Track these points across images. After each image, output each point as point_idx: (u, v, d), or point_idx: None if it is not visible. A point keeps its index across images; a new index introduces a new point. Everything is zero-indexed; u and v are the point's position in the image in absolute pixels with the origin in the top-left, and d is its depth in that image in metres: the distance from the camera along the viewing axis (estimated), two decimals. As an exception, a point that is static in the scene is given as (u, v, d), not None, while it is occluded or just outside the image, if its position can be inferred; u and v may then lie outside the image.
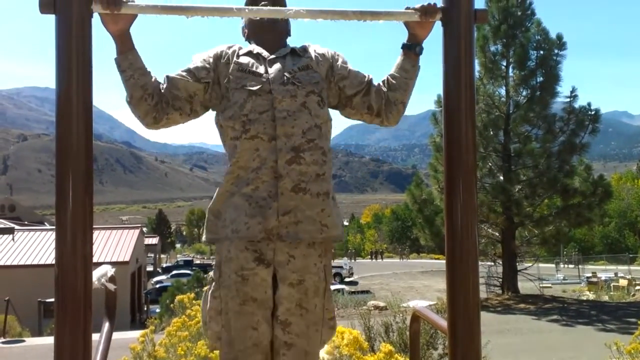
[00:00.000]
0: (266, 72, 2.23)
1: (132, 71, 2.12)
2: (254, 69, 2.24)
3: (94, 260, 1.77)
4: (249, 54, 2.31)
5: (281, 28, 2.42)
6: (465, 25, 1.95)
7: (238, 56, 2.30)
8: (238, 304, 2.15)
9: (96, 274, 2.22)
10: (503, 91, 16.75)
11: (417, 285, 30.62)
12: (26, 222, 45.40)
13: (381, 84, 2.37)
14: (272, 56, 2.29)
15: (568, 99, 16.08)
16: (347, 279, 38.02)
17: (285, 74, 2.23)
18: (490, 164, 16.59)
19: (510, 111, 16.57)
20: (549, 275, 30.97)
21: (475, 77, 2.05)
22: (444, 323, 2.16)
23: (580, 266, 35.96)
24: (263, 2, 2.32)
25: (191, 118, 2.28)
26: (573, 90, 16.04)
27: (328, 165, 2.25)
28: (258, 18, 2.35)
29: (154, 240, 50.76)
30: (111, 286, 2.29)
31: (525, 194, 16.49)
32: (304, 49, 2.37)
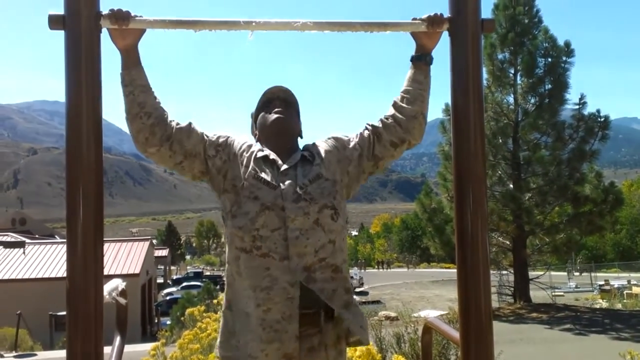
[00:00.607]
0: (279, 184, 2.17)
1: (133, 87, 2.11)
2: (269, 179, 2.18)
3: (105, 273, 1.77)
4: (266, 159, 2.25)
5: (293, 132, 2.39)
6: (473, 35, 1.95)
7: (254, 160, 2.24)
8: None
9: (107, 287, 2.22)
10: (511, 99, 16.71)
11: (428, 295, 30.45)
12: (37, 236, 45.62)
13: (382, 117, 2.34)
14: (285, 166, 2.23)
15: (577, 106, 16.01)
16: (357, 289, 37.88)
17: (297, 189, 2.17)
18: (499, 172, 16.53)
19: (519, 119, 16.53)
20: (561, 283, 30.74)
21: (483, 86, 2.05)
22: (456, 334, 2.14)
23: (592, 274, 35.66)
24: (274, 106, 2.34)
25: (174, 168, 2.25)
26: (582, 97, 15.98)
27: (339, 282, 2.19)
28: (269, 121, 2.33)
29: (163, 252, 50.84)
30: (122, 300, 2.29)
31: (535, 202, 16.40)
32: (312, 154, 2.31)
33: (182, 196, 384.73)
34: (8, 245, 19.05)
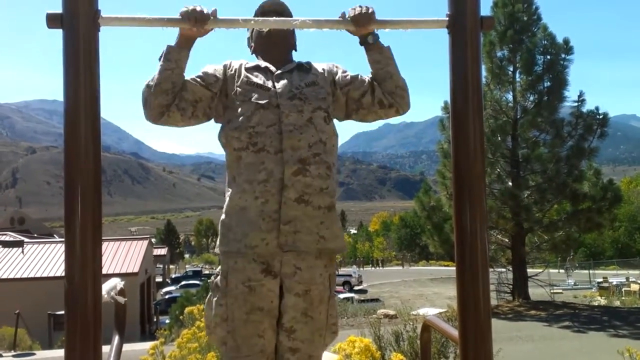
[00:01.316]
0: (274, 86, 2.27)
1: (175, 66, 2.17)
2: (261, 82, 2.28)
3: (104, 271, 1.77)
4: (257, 67, 2.35)
5: (288, 42, 2.47)
6: (472, 32, 1.94)
7: (246, 69, 2.34)
8: (245, 312, 2.19)
9: (106, 287, 2.22)
10: (510, 96, 16.72)
11: (427, 293, 30.50)
12: (35, 235, 45.58)
13: None
14: (279, 71, 2.32)
15: (576, 104, 16.02)
16: (356, 288, 37.90)
17: (293, 89, 2.26)
18: (498, 169, 16.53)
19: (518, 116, 16.53)
20: (560, 280, 30.78)
21: (482, 84, 2.05)
22: (455, 332, 2.15)
23: (591, 271, 35.70)
24: (271, 15, 2.34)
25: (190, 123, 2.29)
26: (581, 94, 16.00)
27: (332, 180, 2.28)
28: (264, 32, 2.38)
29: (162, 251, 50.81)
30: (121, 299, 2.29)
31: (534, 200, 16.41)
32: (310, 65, 2.41)
33: (181, 195, 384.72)
34: (7, 244, 19.03)
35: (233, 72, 2.33)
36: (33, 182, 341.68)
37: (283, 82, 2.29)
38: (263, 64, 2.36)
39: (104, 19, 1.77)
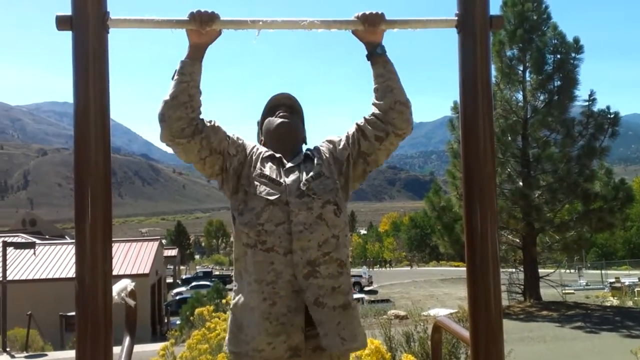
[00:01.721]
0: (284, 182, 2.24)
1: (190, 78, 2.15)
2: (273, 175, 2.25)
3: (114, 273, 1.78)
4: (272, 158, 2.33)
5: (298, 138, 2.45)
6: (481, 32, 1.93)
7: (261, 160, 2.32)
8: None
9: (116, 288, 2.23)
10: (520, 96, 16.64)
11: (438, 293, 30.42)
12: (47, 236, 45.85)
13: (365, 115, 2.35)
14: (290, 164, 2.30)
15: (587, 103, 15.92)
16: (366, 288, 37.86)
17: (301, 185, 2.22)
18: (509, 169, 16.46)
19: (528, 116, 16.45)
20: (571, 280, 30.59)
21: (492, 83, 2.03)
22: (466, 333, 2.13)
23: (603, 271, 35.45)
24: (280, 112, 2.40)
25: (195, 162, 2.27)
26: (591, 93, 15.89)
27: (345, 277, 2.23)
28: (273, 128, 2.39)
29: (173, 252, 51.03)
30: (131, 301, 2.29)
31: (545, 200, 16.33)
32: (314, 153, 2.37)
33: (191, 196, 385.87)
34: (18, 246, 19.14)
35: (252, 157, 2.32)
36: (44, 183, 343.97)
37: (292, 177, 2.25)
38: (277, 154, 2.35)
39: (112, 20, 1.77)
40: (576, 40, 15.86)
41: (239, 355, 2.20)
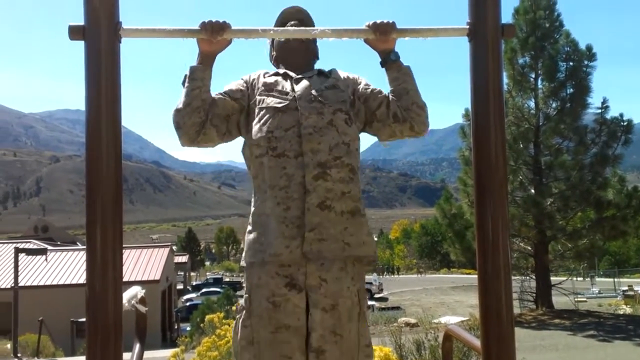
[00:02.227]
0: (292, 90, 2.25)
1: (202, 84, 2.18)
2: (279, 87, 2.27)
3: (125, 279, 1.79)
4: (276, 74, 2.35)
5: (309, 51, 2.46)
6: (493, 40, 1.92)
7: (264, 77, 2.34)
8: (270, 332, 2.09)
9: (126, 295, 2.23)
10: (532, 103, 16.56)
11: (449, 301, 30.27)
12: (59, 243, 46.15)
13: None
14: (299, 76, 2.31)
15: (599, 110, 15.82)
16: (377, 295, 37.75)
17: (312, 91, 2.24)
18: (521, 177, 16.37)
19: (540, 123, 16.37)
20: (584, 288, 30.34)
21: (504, 91, 2.02)
22: (477, 342, 2.12)
23: (615, 279, 35.15)
24: (291, 23, 2.36)
25: (225, 139, 2.29)
26: (604, 101, 15.79)
27: (355, 183, 2.22)
28: (285, 40, 2.39)
29: (183, 259, 51.16)
30: (142, 308, 2.30)
31: (557, 207, 16.21)
32: (330, 71, 2.40)
33: (202, 202, 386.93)
34: (30, 252, 19.28)
35: (253, 83, 2.33)
36: (56, 190, 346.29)
37: (302, 85, 2.27)
38: (282, 70, 2.37)
39: (125, 30, 1.78)
40: (589, 48, 15.79)
41: (255, 265, 2.19)
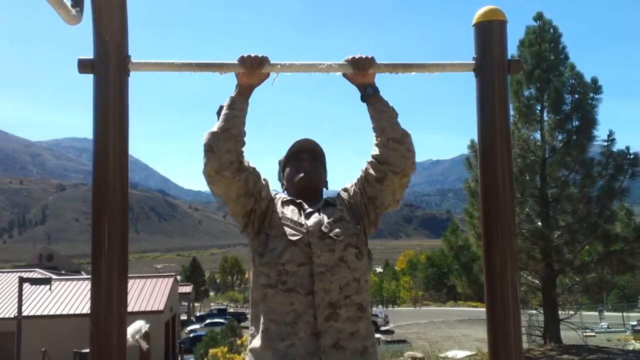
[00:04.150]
0: (305, 224, 2.24)
1: (240, 113, 2.19)
2: (295, 218, 2.26)
3: (129, 309, 1.77)
4: (292, 202, 2.35)
5: (318, 187, 2.48)
6: (499, 76, 1.93)
7: (282, 204, 2.35)
8: None
9: (131, 329, 2.21)
10: (538, 135, 16.55)
11: (456, 335, 29.88)
12: (63, 272, 46.02)
13: (369, 157, 2.36)
14: (310, 209, 2.31)
15: (606, 143, 15.80)
16: (382, 328, 37.32)
17: (322, 227, 2.22)
18: (527, 209, 16.29)
19: (547, 156, 16.35)
20: (592, 323, 29.93)
21: (510, 126, 2.02)
22: (486, 380, 2.08)
23: (624, 314, 34.68)
24: (301, 158, 2.41)
25: (231, 201, 2.25)
26: (610, 133, 15.78)
27: (364, 321, 2.20)
28: (297, 180, 2.40)
29: (187, 289, 50.88)
30: (144, 345, 2.27)
31: (565, 240, 16.08)
32: (335, 199, 2.41)
33: (207, 232, 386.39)
34: (34, 282, 19.24)
35: (275, 202, 2.35)
36: (62, 219, 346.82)
37: (313, 219, 2.26)
38: (298, 199, 2.37)
39: (134, 64, 1.80)
40: (594, 81, 15.84)
41: None
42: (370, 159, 2.31)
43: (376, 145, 2.29)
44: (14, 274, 29.39)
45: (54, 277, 29.34)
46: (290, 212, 2.29)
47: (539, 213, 16.26)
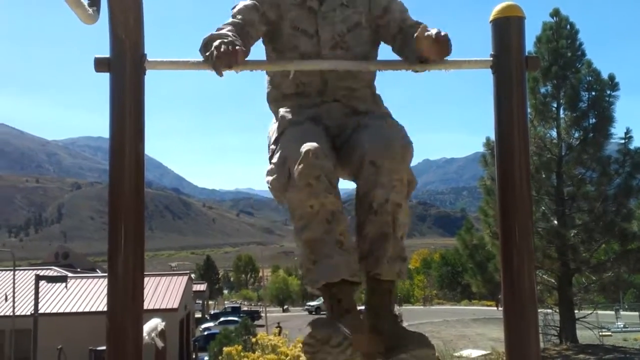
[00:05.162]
0: (316, 33, 2.25)
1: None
2: (305, 27, 2.26)
3: (144, 307, 1.77)
4: (302, 5, 2.28)
5: None
6: (517, 73, 1.90)
7: (293, 6, 2.28)
8: (299, 137, 2.07)
9: (146, 327, 2.21)
10: (554, 133, 16.44)
11: (470, 334, 29.72)
12: (79, 270, 46.37)
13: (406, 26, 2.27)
14: (323, 9, 2.27)
15: (623, 140, 15.65)
16: (396, 327, 37.15)
17: (335, 36, 2.25)
18: (543, 207, 16.18)
19: (563, 153, 16.22)
20: (609, 322, 29.65)
21: (528, 123, 2.00)
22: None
23: (641, 313, 34.32)
24: None
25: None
26: (628, 131, 15.65)
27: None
28: None
29: (202, 287, 51.03)
30: (160, 343, 2.27)
31: (581, 239, 15.95)
32: None
33: (221, 230, 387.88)
34: (51, 279, 19.43)
35: (283, 6, 2.28)
36: (77, 217, 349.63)
37: (327, 26, 2.26)
38: (308, 1, 2.28)
39: (149, 62, 1.79)
40: (611, 77, 15.69)
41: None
42: (398, 31, 2.27)
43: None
44: (31, 271, 29.64)
45: (70, 274, 29.59)
46: (301, 19, 2.26)
47: (555, 211, 16.15)
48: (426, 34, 1.93)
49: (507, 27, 1.90)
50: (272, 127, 2.32)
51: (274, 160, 2.09)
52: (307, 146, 1.92)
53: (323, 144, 2.00)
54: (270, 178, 2.08)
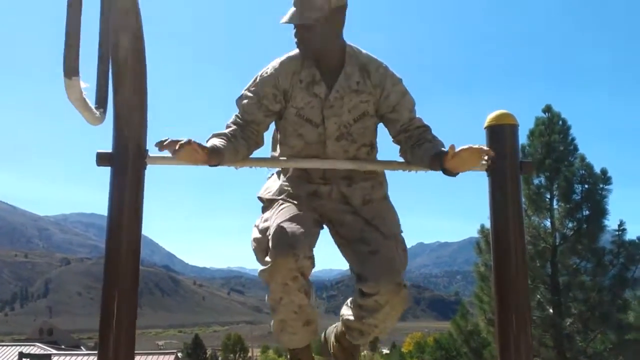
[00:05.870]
0: (322, 122, 2.22)
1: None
2: (311, 117, 2.23)
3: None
4: (307, 88, 2.23)
5: (329, 45, 2.23)
6: (512, 177, 1.95)
7: (300, 90, 2.23)
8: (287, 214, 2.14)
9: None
10: (548, 223, 16.53)
11: None
12: (63, 346, 45.19)
13: (414, 131, 2.28)
14: (330, 96, 2.22)
15: (617, 232, 15.77)
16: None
17: (341, 127, 2.24)
18: (538, 296, 16.05)
19: (557, 243, 16.26)
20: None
21: (523, 221, 2.02)
22: None
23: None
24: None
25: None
26: (621, 223, 15.78)
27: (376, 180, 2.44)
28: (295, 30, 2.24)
29: (189, 368, 49.55)
30: None
31: (577, 329, 15.75)
32: (364, 75, 2.25)
33: (211, 308, 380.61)
34: (34, 357, 18.86)
35: (290, 90, 2.23)
36: (65, 292, 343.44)
37: (333, 117, 2.22)
38: (315, 88, 2.23)
39: (150, 158, 1.81)
40: (604, 172, 15.98)
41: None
42: (401, 139, 2.29)
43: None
44: (15, 347, 28.91)
45: (54, 352, 28.79)
46: (305, 105, 2.22)
47: (550, 300, 16.01)
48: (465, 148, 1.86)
49: (501, 134, 1.97)
50: (272, 184, 2.38)
51: (262, 225, 2.17)
52: (290, 247, 1.95)
53: (309, 234, 2.06)
54: (254, 236, 2.21)
